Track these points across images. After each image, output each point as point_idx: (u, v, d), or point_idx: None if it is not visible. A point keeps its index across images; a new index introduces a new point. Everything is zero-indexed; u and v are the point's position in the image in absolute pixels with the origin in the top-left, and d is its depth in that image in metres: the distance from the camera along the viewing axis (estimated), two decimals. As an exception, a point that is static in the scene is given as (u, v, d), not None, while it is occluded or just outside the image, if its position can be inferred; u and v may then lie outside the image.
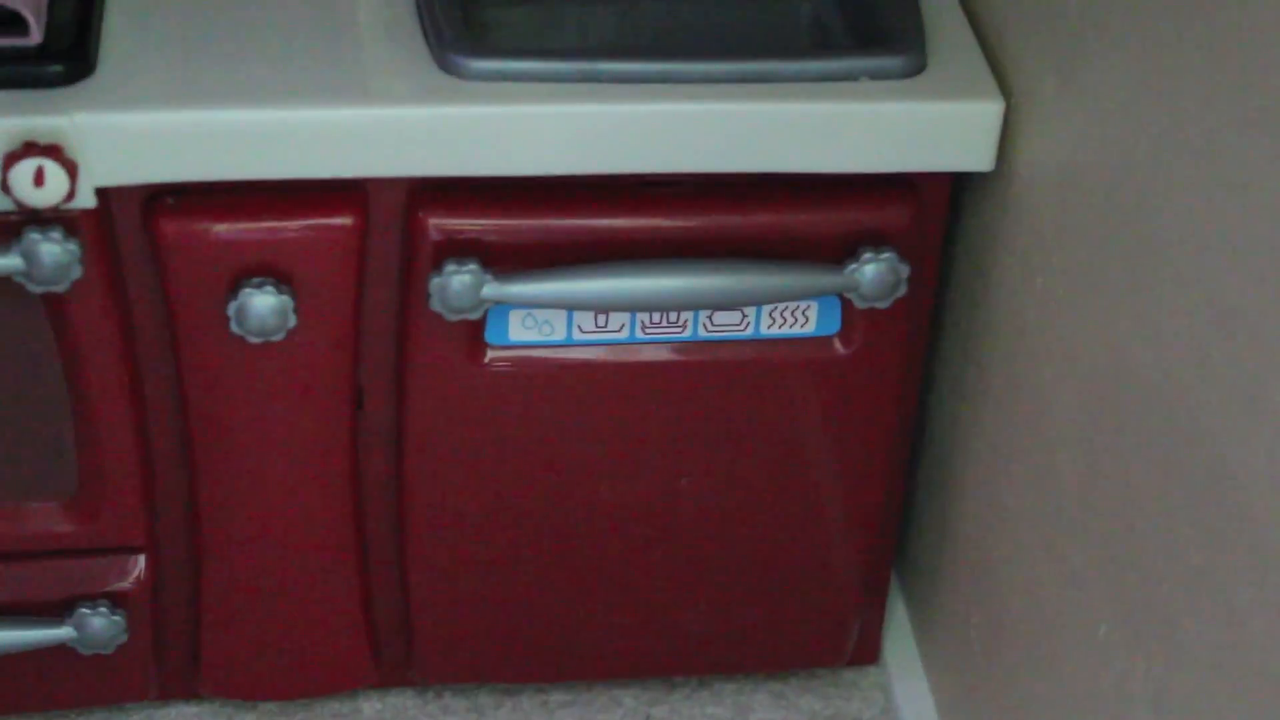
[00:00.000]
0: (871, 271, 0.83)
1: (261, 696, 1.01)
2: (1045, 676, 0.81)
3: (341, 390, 0.86)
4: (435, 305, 0.81)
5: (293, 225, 0.80)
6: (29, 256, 0.77)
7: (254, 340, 0.81)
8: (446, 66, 0.80)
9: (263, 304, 0.80)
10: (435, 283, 0.81)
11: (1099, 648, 0.75)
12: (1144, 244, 0.70)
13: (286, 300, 0.81)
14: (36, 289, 0.78)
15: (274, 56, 0.81)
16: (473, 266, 0.80)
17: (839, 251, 0.83)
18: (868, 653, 1.02)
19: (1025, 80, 0.81)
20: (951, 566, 0.95)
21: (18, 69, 0.77)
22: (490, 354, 0.85)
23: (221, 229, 0.80)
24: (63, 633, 0.91)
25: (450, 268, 0.80)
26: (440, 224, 0.81)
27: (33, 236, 0.77)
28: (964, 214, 0.89)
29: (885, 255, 0.83)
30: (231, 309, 0.80)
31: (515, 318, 0.85)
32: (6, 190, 0.76)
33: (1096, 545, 0.75)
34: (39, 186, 0.76)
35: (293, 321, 0.81)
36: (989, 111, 0.81)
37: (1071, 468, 0.78)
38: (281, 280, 0.81)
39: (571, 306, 0.82)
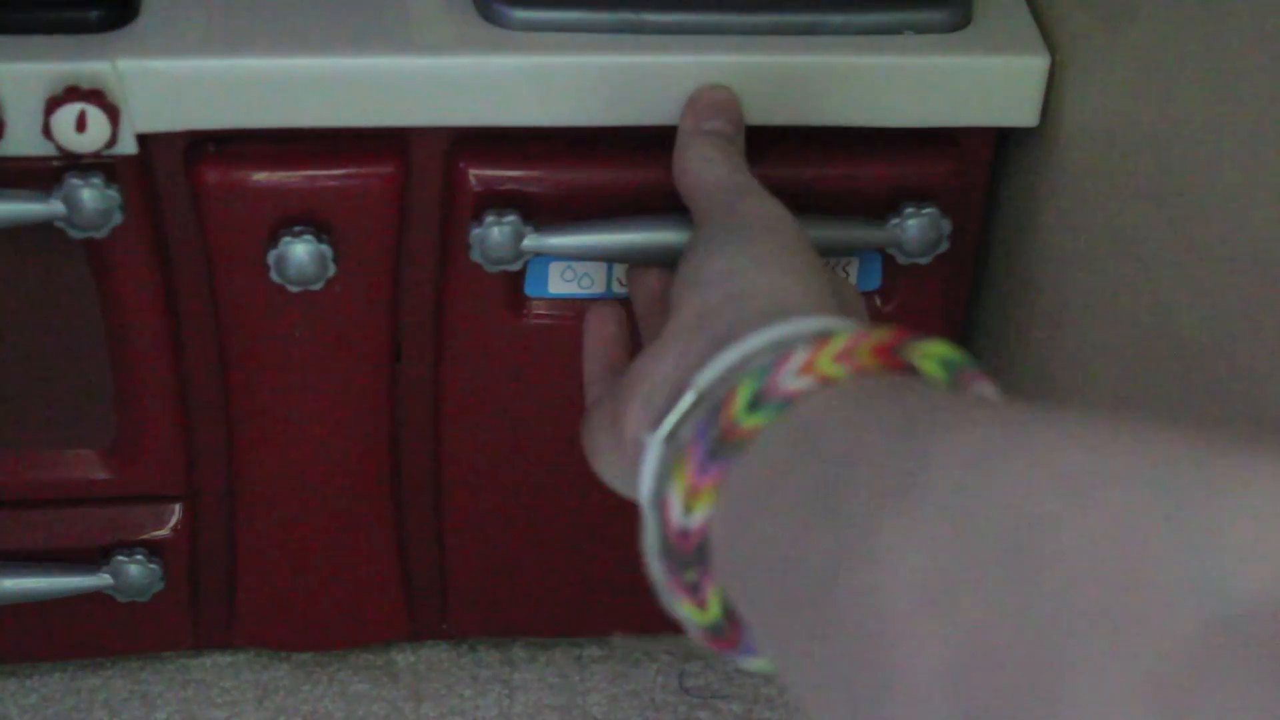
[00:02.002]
0: (914, 226, 0.82)
1: (295, 647, 1.01)
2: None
3: (380, 341, 0.86)
4: (475, 256, 0.81)
5: (333, 174, 0.80)
6: (70, 202, 0.77)
7: (293, 289, 0.81)
8: (489, 15, 0.79)
9: (302, 252, 0.80)
10: (475, 233, 0.81)
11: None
12: (1190, 202, 0.69)
13: (326, 249, 0.81)
14: (77, 235, 0.79)
15: (316, 4, 0.80)
16: (513, 218, 0.80)
17: (881, 206, 0.83)
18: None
19: (1071, 34, 0.80)
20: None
21: (60, 14, 0.77)
22: (529, 306, 0.85)
23: (262, 177, 0.80)
24: (99, 580, 0.92)
25: (490, 218, 0.80)
26: (480, 174, 0.81)
27: (74, 182, 0.77)
28: (1007, 170, 0.89)
29: (927, 210, 0.82)
30: (271, 257, 0.80)
31: (555, 270, 0.84)
32: (48, 135, 0.76)
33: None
34: (80, 132, 0.76)
35: (332, 270, 0.81)
36: (1034, 66, 0.81)
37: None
38: (321, 229, 0.81)
39: (611, 258, 0.82)
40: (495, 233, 0.80)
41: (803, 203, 0.82)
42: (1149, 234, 0.73)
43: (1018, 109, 0.82)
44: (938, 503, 0.38)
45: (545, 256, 0.82)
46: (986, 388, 0.49)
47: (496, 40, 0.79)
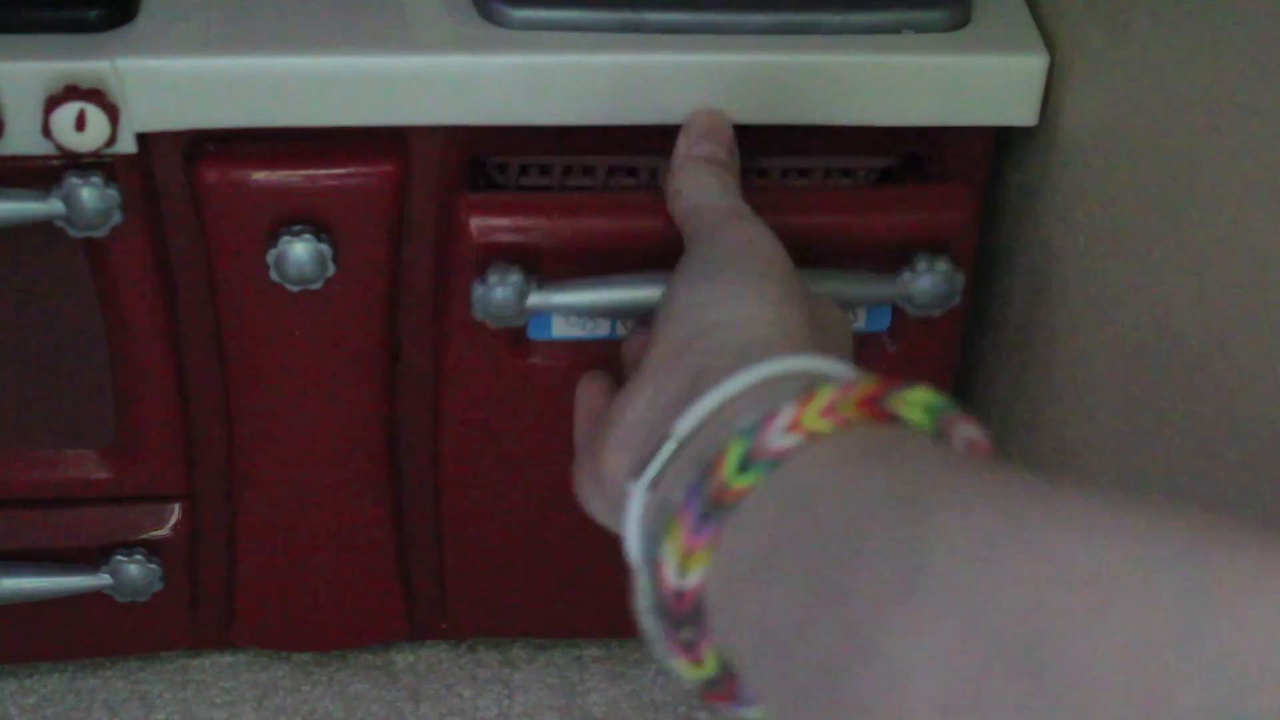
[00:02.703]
0: (926, 283, 0.81)
1: (295, 647, 1.01)
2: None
3: (379, 340, 0.86)
4: (478, 313, 0.80)
5: (333, 174, 0.80)
6: (69, 201, 0.77)
7: (293, 288, 0.81)
8: (488, 15, 0.79)
9: (302, 252, 0.80)
10: (478, 293, 0.79)
11: (1137, 606, 0.74)
12: (1189, 201, 0.69)
13: (325, 248, 0.80)
14: (76, 234, 0.79)
15: (316, 4, 0.80)
16: (516, 278, 0.79)
17: (892, 258, 0.82)
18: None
19: (1071, 33, 0.80)
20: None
21: (60, 13, 0.77)
22: (532, 350, 0.84)
23: (262, 176, 0.80)
24: (99, 580, 0.92)
25: (494, 278, 0.79)
26: (483, 224, 0.80)
27: (73, 181, 0.77)
28: (1007, 170, 0.89)
29: (941, 267, 0.81)
30: (271, 257, 0.80)
31: (559, 314, 0.83)
32: (48, 134, 0.76)
33: (1136, 503, 0.75)
34: (80, 131, 0.76)
35: (331, 270, 0.81)
36: (1034, 66, 0.81)
37: (1111, 425, 0.77)
38: (321, 228, 0.81)
39: (618, 314, 0.81)
40: (499, 293, 0.79)
41: (813, 254, 0.81)
42: (1149, 234, 0.73)
43: (1017, 109, 0.82)
44: (945, 601, 0.38)
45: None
46: (971, 430, 0.49)
47: (496, 40, 0.79)
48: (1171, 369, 0.71)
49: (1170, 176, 0.71)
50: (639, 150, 0.82)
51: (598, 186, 0.84)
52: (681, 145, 0.76)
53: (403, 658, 1.02)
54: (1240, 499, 0.65)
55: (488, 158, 0.83)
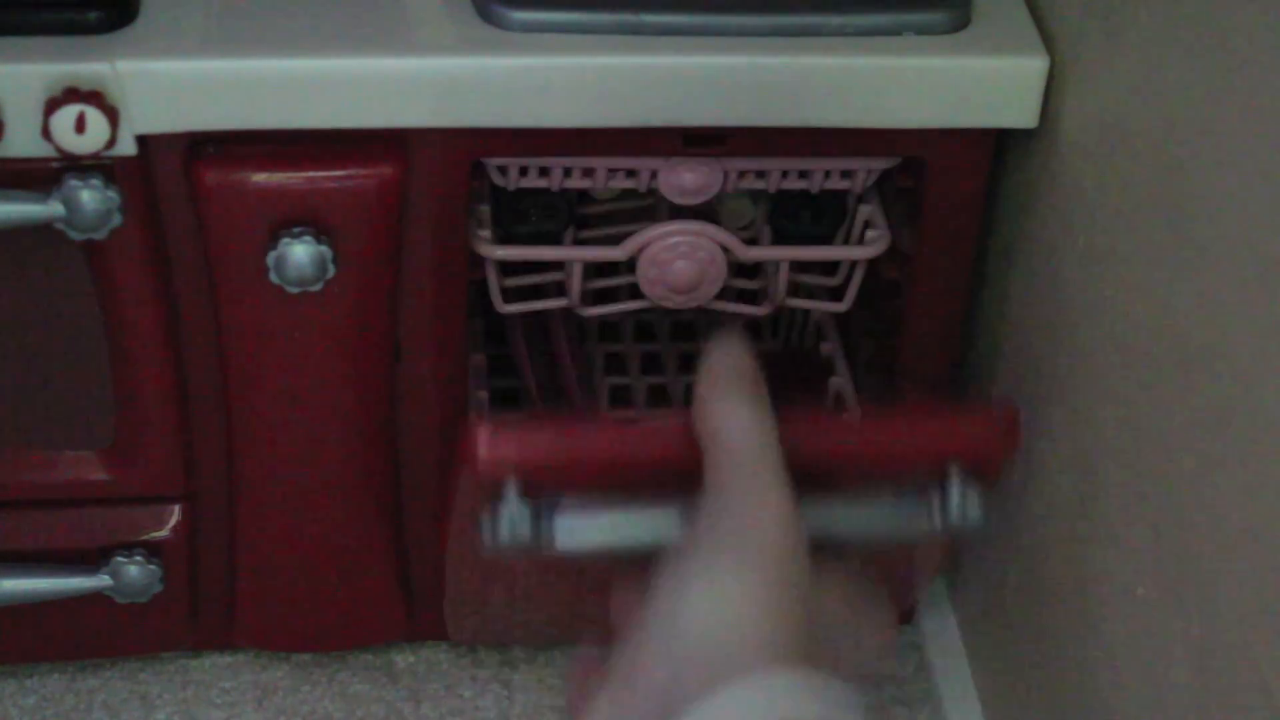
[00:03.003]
0: (955, 510, 0.73)
1: (295, 648, 1.01)
2: (1082, 637, 0.81)
3: (379, 342, 0.86)
4: (487, 541, 0.75)
5: (332, 175, 0.80)
6: (69, 203, 0.77)
7: (292, 290, 0.81)
8: (488, 17, 0.79)
9: (302, 253, 0.80)
10: (486, 523, 0.75)
11: (1137, 608, 0.74)
12: (1189, 199, 0.69)
13: (325, 250, 0.80)
14: (77, 236, 0.79)
15: (315, 6, 0.80)
16: (525, 511, 0.74)
17: (914, 486, 0.69)
18: (901, 613, 1.02)
19: (1070, 34, 0.80)
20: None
21: (60, 16, 0.77)
22: None
23: (262, 178, 0.80)
24: (99, 581, 0.92)
25: (504, 519, 0.74)
26: (493, 454, 0.75)
27: (73, 184, 0.77)
28: (1007, 170, 0.89)
29: (973, 502, 0.68)
30: (270, 258, 0.80)
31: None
32: (48, 137, 0.76)
33: (1135, 504, 0.75)
34: (80, 133, 0.76)
35: (331, 272, 0.81)
36: (1033, 67, 0.81)
37: (1110, 425, 0.77)
38: (321, 230, 0.81)
39: (629, 547, 0.75)
40: (507, 535, 0.74)
41: (828, 484, 0.72)
42: (1149, 233, 0.73)
43: (1017, 110, 0.82)
44: None
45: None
46: None
47: (496, 41, 0.79)
48: (1172, 370, 0.71)
49: (1170, 176, 0.71)
50: (638, 152, 0.83)
51: (598, 188, 0.84)
52: (707, 366, 0.63)
53: (403, 658, 1.02)
54: (1236, 497, 0.65)
55: (488, 159, 0.83)
